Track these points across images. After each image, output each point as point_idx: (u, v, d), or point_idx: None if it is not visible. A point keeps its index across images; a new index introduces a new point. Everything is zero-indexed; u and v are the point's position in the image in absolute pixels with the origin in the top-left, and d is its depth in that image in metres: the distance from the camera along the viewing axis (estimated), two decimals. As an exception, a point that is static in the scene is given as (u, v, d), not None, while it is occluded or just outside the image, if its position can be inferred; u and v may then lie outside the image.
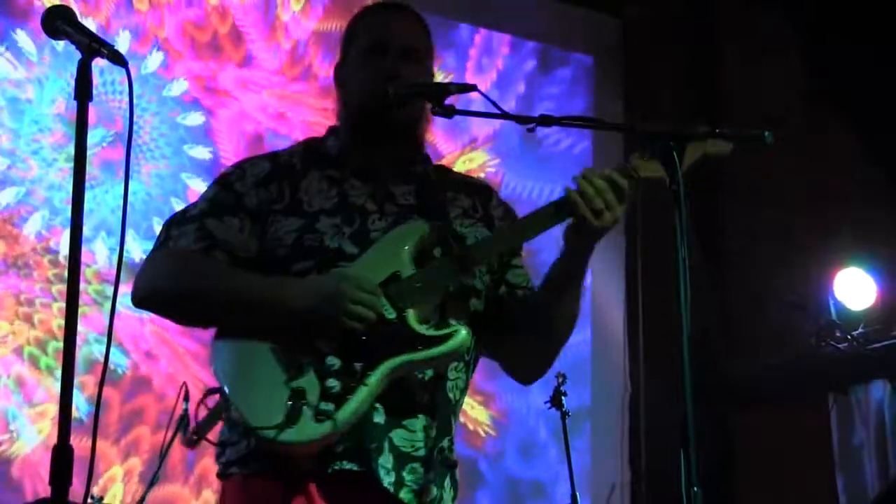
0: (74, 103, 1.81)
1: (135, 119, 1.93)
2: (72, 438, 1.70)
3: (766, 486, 5.32)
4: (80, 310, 1.76)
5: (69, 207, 1.77)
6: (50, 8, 1.90)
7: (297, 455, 2.06)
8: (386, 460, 2.09)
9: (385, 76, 2.25)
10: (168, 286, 2.21)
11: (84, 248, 1.84)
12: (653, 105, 5.78)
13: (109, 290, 4.24)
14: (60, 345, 4.02)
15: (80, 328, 1.75)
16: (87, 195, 1.80)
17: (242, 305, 2.14)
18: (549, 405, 4.20)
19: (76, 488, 1.71)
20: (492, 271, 2.32)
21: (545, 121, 2.19)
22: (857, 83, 6.02)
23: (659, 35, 5.98)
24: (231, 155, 4.65)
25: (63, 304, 1.70)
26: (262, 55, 4.93)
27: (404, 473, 2.10)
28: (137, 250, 4.31)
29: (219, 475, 2.22)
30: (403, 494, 2.09)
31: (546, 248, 2.29)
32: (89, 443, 1.79)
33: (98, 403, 1.85)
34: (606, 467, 5.35)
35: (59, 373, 3.96)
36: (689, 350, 1.95)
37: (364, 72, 2.30)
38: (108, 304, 4.18)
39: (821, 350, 5.08)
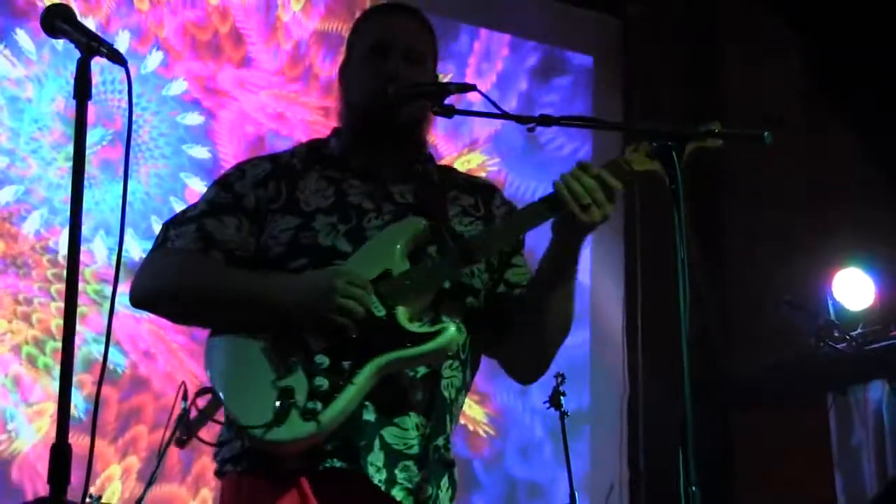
0: (74, 102, 1.81)
1: (134, 118, 1.92)
2: (70, 437, 1.70)
3: (764, 486, 5.32)
4: (78, 309, 1.76)
5: (68, 206, 1.77)
6: (49, 7, 1.89)
7: (284, 453, 2.06)
8: (376, 458, 2.09)
9: (386, 77, 2.25)
10: (164, 285, 2.23)
11: (83, 248, 1.84)
12: (653, 105, 5.78)
13: (108, 290, 4.24)
14: (58, 344, 4.03)
15: (78, 328, 1.75)
16: (87, 194, 1.80)
17: (235, 301, 2.15)
18: (547, 405, 4.20)
19: (74, 487, 1.71)
20: (491, 270, 2.32)
21: (545, 121, 2.19)
22: (857, 83, 6.02)
23: (659, 35, 5.98)
24: (230, 154, 4.66)
25: (62, 304, 1.70)
26: (263, 56, 4.93)
27: (396, 471, 2.10)
28: (136, 249, 4.31)
29: (216, 473, 2.23)
30: (396, 492, 2.09)
31: (543, 248, 2.28)
32: (86, 441, 1.78)
33: (97, 403, 1.85)
34: (605, 467, 5.35)
35: (56, 372, 3.98)
36: (688, 350, 1.95)
37: (365, 72, 2.31)
38: (107, 304, 4.20)
39: (820, 350, 5.08)
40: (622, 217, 5.57)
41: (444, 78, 2.56)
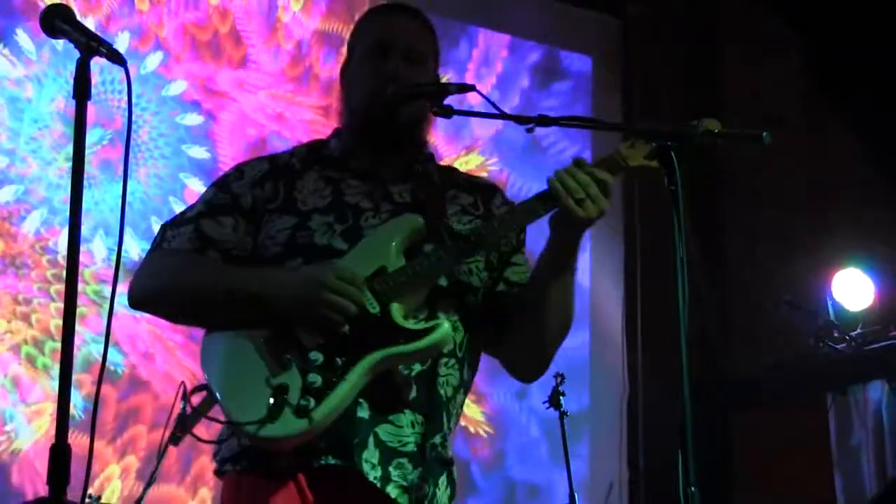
0: (74, 102, 1.81)
1: (134, 118, 1.92)
2: (68, 436, 1.70)
3: (764, 486, 5.32)
4: (77, 310, 1.76)
5: (68, 206, 1.77)
6: (48, 6, 1.89)
7: (278, 450, 2.07)
8: (371, 455, 2.09)
9: (386, 77, 2.26)
10: (161, 286, 2.24)
11: (82, 248, 1.84)
12: (653, 105, 5.78)
13: (107, 291, 4.24)
14: (57, 345, 4.03)
15: (77, 328, 1.75)
16: (86, 195, 1.80)
17: (231, 299, 2.15)
18: (547, 405, 4.20)
19: (72, 487, 1.71)
20: (491, 269, 2.32)
21: (543, 121, 2.19)
22: (857, 83, 6.02)
23: (659, 35, 5.98)
24: (230, 154, 4.65)
25: (61, 305, 1.70)
26: (263, 56, 4.92)
27: (391, 469, 2.10)
28: (136, 250, 4.31)
29: (216, 473, 2.24)
30: (391, 490, 2.09)
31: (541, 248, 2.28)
32: (84, 440, 1.79)
33: (96, 403, 1.85)
34: (605, 467, 5.35)
35: (55, 372, 3.98)
36: (687, 350, 1.96)
37: (365, 73, 2.31)
38: (106, 304, 4.20)
39: (819, 350, 5.08)
40: (622, 217, 5.58)
41: (443, 79, 2.56)
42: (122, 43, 4.53)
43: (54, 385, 4.02)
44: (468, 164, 5.31)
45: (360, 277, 2.11)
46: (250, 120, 4.82)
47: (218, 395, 2.08)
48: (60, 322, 1.74)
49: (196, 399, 2.11)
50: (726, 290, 5.68)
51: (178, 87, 4.66)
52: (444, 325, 2.11)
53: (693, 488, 1.89)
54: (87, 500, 2.10)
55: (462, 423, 4.95)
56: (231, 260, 2.23)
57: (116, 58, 1.83)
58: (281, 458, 2.08)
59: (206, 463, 4.27)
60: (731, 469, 5.45)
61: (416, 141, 2.36)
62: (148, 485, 3.12)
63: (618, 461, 5.39)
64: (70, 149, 1.81)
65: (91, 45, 1.82)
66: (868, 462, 5.09)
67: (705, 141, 2.14)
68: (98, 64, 1.83)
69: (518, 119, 2.21)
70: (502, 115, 2.23)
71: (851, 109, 6.15)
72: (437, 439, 2.19)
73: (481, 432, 5.08)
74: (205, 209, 2.28)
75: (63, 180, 4.27)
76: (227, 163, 4.48)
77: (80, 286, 2.31)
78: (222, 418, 2.10)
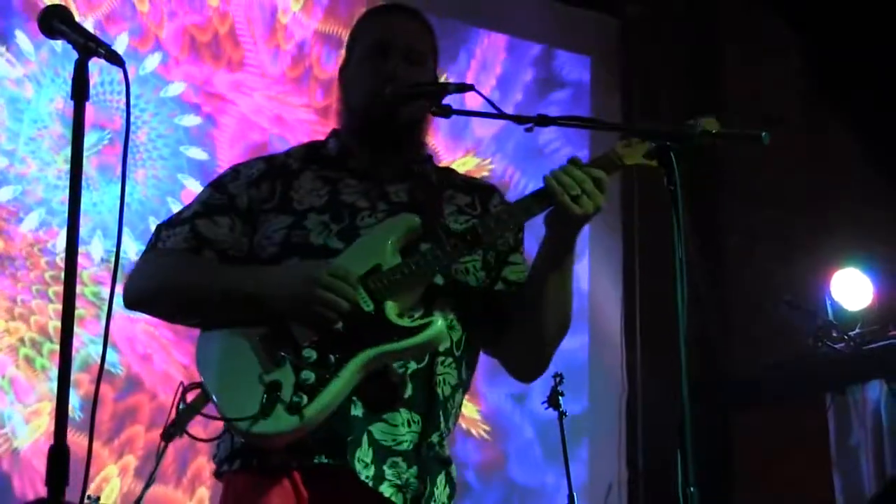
0: (72, 102, 1.81)
1: (132, 120, 1.93)
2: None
3: (763, 486, 5.32)
4: (76, 311, 1.76)
5: (66, 207, 1.77)
6: (46, 7, 1.89)
7: (269, 447, 2.07)
8: (364, 454, 2.09)
9: (385, 77, 2.26)
10: (156, 286, 2.24)
11: (80, 250, 1.84)
12: (653, 105, 5.78)
13: (105, 292, 4.24)
14: (55, 346, 4.03)
15: (75, 330, 1.75)
16: (84, 196, 1.80)
17: (226, 298, 2.15)
18: (546, 405, 4.19)
19: (70, 486, 1.71)
20: (488, 268, 2.32)
21: (542, 121, 2.19)
22: (857, 83, 6.02)
23: (659, 35, 5.98)
24: (228, 156, 4.65)
25: (59, 306, 1.70)
26: (262, 58, 4.92)
27: (385, 468, 2.10)
28: (134, 251, 4.30)
29: (215, 475, 2.24)
30: (384, 489, 2.09)
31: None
32: (81, 440, 1.79)
33: (94, 404, 1.85)
34: (604, 467, 5.35)
35: (53, 373, 3.98)
36: (686, 350, 1.96)
37: (365, 72, 2.31)
38: (104, 305, 4.20)
39: (818, 350, 5.08)
40: (620, 217, 5.58)
41: (441, 79, 2.57)
42: (120, 44, 4.53)
43: (52, 386, 4.02)
44: (465, 165, 5.31)
45: (354, 275, 2.11)
46: (250, 122, 4.81)
47: (212, 392, 2.09)
48: (59, 323, 1.74)
49: (190, 398, 2.11)
50: (725, 290, 5.68)
51: (176, 88, 4.66)
52: (438, 323, 2.11)
53: (692, 488, 1.89)
54: (86, 500, 2.11)
55: (464, 424, 4.97)
56: (227, 260, 2.23)
57: (114, 59, 1.83)
58: (273, 456, 2.08)
59: (203, 463, 4.27)
60: (730, 469, 5.46)
61: (415, 141, 2.37)
62: (147, 485, 3.12)
63: (617, 461, 5.39)
64: (69, 150, 1.80)
65: (89, 46, 1.82)
66: (867, 462, 5.09)
67: (703, 141, 2.15)
68: (97, 64, 1.83)
69: (517, 119, 2.21)
70: (501, 115, 2.23)
71: (851, 109, 6.15)
72: (435, 438, 2.19)
73: (479, 433, 5.08)
74: (201, 209, 2.27)
75: (61, 181, 4.27)
76: (225, 164, 4.47)
77: (79, 288, 2.30)
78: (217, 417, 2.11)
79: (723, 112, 5.85)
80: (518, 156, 5.46)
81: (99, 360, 2.62)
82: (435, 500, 2.16)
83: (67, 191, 1.78)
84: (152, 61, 4.62)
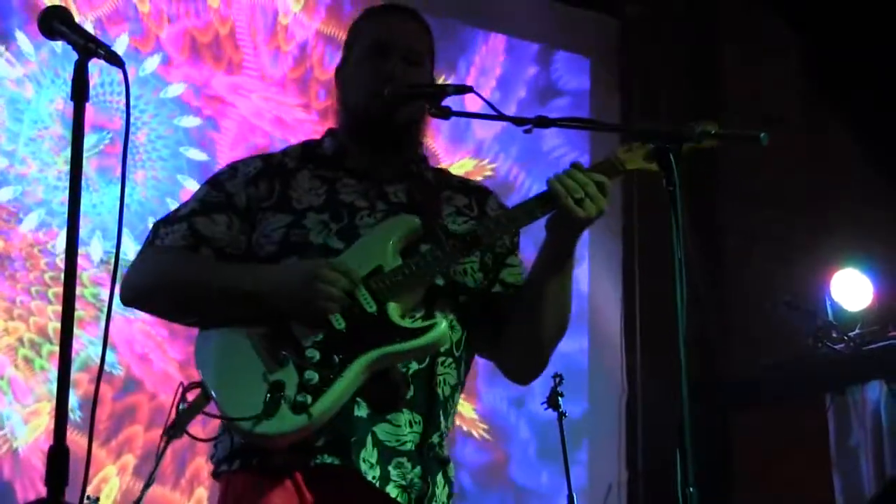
0: (72, 103, 1.81)
1: (132, 120, 1.93)
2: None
3: (763, 486, 5.32)
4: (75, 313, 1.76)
5: (66, 208, 1.77)
6: (46, 9, 1.90)
7: (273, 447, 2.06)
8: (369, 454, 2.09)
9: (384, 77, 2.27)
10: (153, 282, 2.24)
11: (80, 251, 1.84)
12: (652, 105, 5.78)
13: (104, 293, 4.24)
14: (54, 347, 4.02)
15: (74, 331, 1.75)
16: (84, 198, 1.81)
17: (224, 295, 2.16)
18: (546, 406, 4.19)
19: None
20: (486, 270, 2.33)
21: (542, 122, 2.20)
22: (856, 83, 6.03)
23: (659, 35, 5.98)
24: (228, 157, 4.65)
25: (58, 307, 1.71)
26: (263, 59, 4.91)
27: (390, 468, 2.11)
28: (133, 252, 4.29)
29: (213, 475, 2.23)
30: (390, 489, 2.10)
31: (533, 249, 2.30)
32: (79, 439, 1.79)
33: (94, 406, 1.85)
34: (603, 467, 5.35)
35: (52, 374, 3.98)
36: (685, 350, 1.96)
37: (363, 73, 2.32)
38: (103, 306, 4.20)
39: (818, 351, 5.08)
40: (620, 218, 5.58)
41: (439, 80, 2.57)
42: (120, 44, 4.53)
43: (51, 387, 4.02)
44: (464, 167, 5.31)
45: (356, 271, 2.12)
46: (250, 124, 4.81)
47: (213, 391, 2.08)
48: (58, 325, 1.74)
49: (190, 397, 2.11)
50: (725, 291, 5.68)
51: (176, 89, 4.66)
52: (442, 324, 2.12)
53: (692, 489, 1.89)
54: (85, 500, 2.11)
55: (463, 425, 4.97)
56: (224, 258, 2.23)
57: (114, 60, 1.84)
58: (275, 456, 2.08)
59: (201, 464, 4.27)
60: (730, 469, 5.46)
61: (413, 141, 2.37)
62: (147, 485, 3.11)
63: (617, 462, 5.39)
64: (69, 151, 1.81)
65: (89, 47, 1.82)
66: (866, 462, 5.09)
67: (703, 141, 2.15)
68: (97, 65, 1.83)
69: (516, 120, 2.22)
70: (500, 117, 2.24)
71: (851, 109, 6.15)
72: (436, 438, 2.20)
73: (479, 434, 5.08)
74: (198, 207, 2.28)
75: (61, 182, 4.27)
76: (224, 162, 4.47)
77: (78, 289, 2.30)
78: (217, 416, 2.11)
79: (722, 112, 5.86)
80: (521, 157, 5.46)
81: (98, 361, 2.62)
82: (436, 500, 2.17)
83: (67, 192, 1.78)
84: (152, 62, 4.62)
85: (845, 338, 5.02)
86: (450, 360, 2.24)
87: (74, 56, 1.82)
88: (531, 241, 2.33)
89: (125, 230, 4.25)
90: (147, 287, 2.24)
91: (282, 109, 4.90)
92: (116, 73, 1.85)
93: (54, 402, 1.71)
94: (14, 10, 4.37)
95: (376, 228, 2.23)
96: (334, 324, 2.10)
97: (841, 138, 6.20)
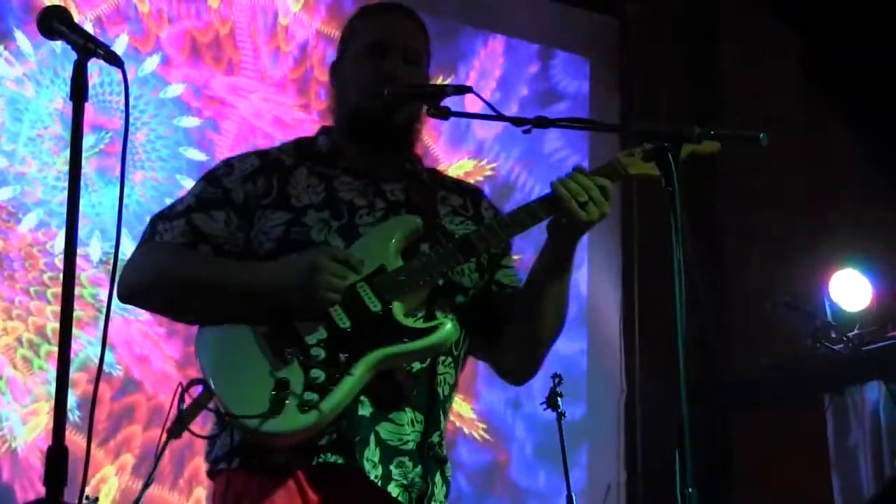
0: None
1: (131, 121, 1.93)
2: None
3: (762, 486, 5.32)
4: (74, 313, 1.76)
5: (65, 208, 1.77)
6: (45, 8, 1.90)
7: (279, 445, 2.06)
8: (372, 453, 2.10)
9: (384, 77, 2.27)
10: (149, 280, 2.23)
11: (79, 251, 1.84)
12: (652, 105, 5.78)
13: (103, 294, 4.24)
14: (53, 347, 4.01)
15: (74, 331, 1.75)
16: (83, 199, 1.81)
17: (223, 292, 2.15)
18: (545, 406, 4.18)
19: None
20: (481, 271, 2.33)
21: (541, 122, 2.20)
22: (856, 83, 6.03)
23: (659, 35, 5.97)
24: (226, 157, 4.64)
25: (57, 307, 1.71)
26: (262, 60, 4.91)
27: (392, 467, 2.11)
28: (131, 252, 4.29)
29: (208, 474, 2.22)
30: (392, 489, 2.10)
31: (532, 249, 2.31)
32: (77, 439, 1.79)
33: (93, 407, 1.85)
34: (603, 468, 5.35)
35: (50, 375, 3.97)
36: (684, 351, 1.96)
37: (363, 71, 2.32)
38: (102, 307, 4.19)
39: (817, 351, 5.08)
40: (619, 218, 5.57)
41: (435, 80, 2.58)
42: (120, 44, 4.52)
43: (50, 388, 4.02)
44: (463, 167, 5.31)
45: (356, 256, 2.13)
46: (250, 124, 4.80)
47: (217, 389, 2.07)
48: (56, 325, 1.74)
49: (189, 397, 2.10)
50: (724, 291, 5.68)
51: (176, 89, 4.65)
52: (448, 325, 2.13)
53: (691, 489, 1.89)
54: (84, 501, 2.11)
55: (462, 426, 4.97)
56: (222, 255, 2.23)
57: (113, 60, 1.84)
58: (276, 455, 2.08)
59: (200, 463, 4.26)
60: (729, 469, 5.45)
61: (411, 141, 2.38)
62: (146, 485, 3.11)
63: (616, 463, 5.38)
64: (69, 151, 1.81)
65: (88, 47, 1.82)
66: (865, 463, 5.09)
67: (703, 141, 2.15)
68: (97, 64, 1.83)
69: (515, 121, 2.22)
70: (500, 117, 2.24)
71: (851, 109, 6.15)
72: (436, 438, 2.21)
73: (478, 435, 5.07)
74: (196, 203, 2.27)
75: (60, 182, 4.26)
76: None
77: (77, 290, 2.29)
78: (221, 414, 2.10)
79: (722, 112, 5.86)
80: (522, 157, 5.46)
81: (97, 361, 2.62)
82: (435, 500, 2.18)
83: (66, 192, 1.78)
84: (152, 62, 4.61)
85: (844, 338, 5.02)
86: (450, 359, 2.25)
87: (74, 56, 1.82)
88: (532, 243, 2.34)
89: (124, 230, 4.20)
90: (145, 284, 2.23)
91: (282, 110, 4.89)
92: (116, 73, 1.85)
93: (53, 402, 1.71)
94: (13, 9, 4.36)
95: (377, 228, 2.23)
96: (338, 322, 2.10)
97: (841, 138, 6.20)
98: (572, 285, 2.33)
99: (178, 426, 2.11)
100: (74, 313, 1.75)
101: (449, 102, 2.22)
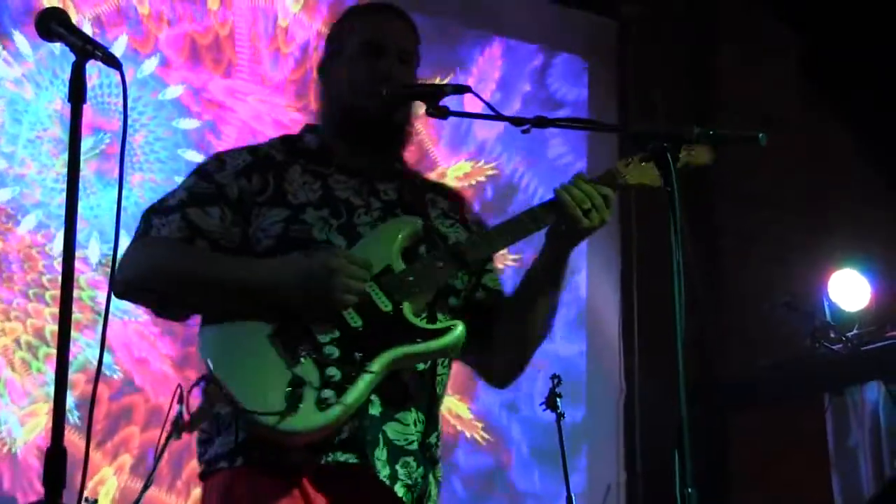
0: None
1: (130, 122, 1.93)
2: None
3: (761, 487, 5.32)
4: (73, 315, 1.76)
5: (63, 210, 1.77)
6: (44, 10, 1.90)
7: (296, 444, 2.04)
8: (381, 453, 2.10)
9: (381, 77, 2.28)
10: (146, 275, 2.19)
11: (77, 254, 1.83)
12: (651, 105, 5.78)
13: (101, 295, 4.23)
14: (51, 350, 3.99)
15: (72, 334, 1.75)
16: (81, 201, 1.81)
17: (220, 288, 2.14)
18: (544, 407, 4.18)
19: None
20: (469, 273, 2.35)
21: (540, 122, 2.21)
22: (856, 83, 6.03)
23: (658, 35, 5.97)
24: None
25: (56, 310, 1.71)
26: (264, 62, 4.90)
27: (398, 467, 2.12)
28: (126, 246, 4.27)
29: (203, 474, 2.20)
30: (398, 488, 2.11)
31: (531, 250, 2.33)
32: (78, 440, 1.79)
33: (92, 406, 1.85)
34: (602, 469, 5.34)
35: (49, 377, 3.96)
36: (683, 351, 1.96)
37: (359, 71, 2.32)
38: (100, 308, 4.19)
39: (816, 351, 5.08)
40: (618, 219, 5.57)
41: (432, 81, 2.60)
42: (119, 46, 4.52)
43: (48, 390, 4.01)
44: (462, 168, 5.31)
45: (369, 261, 2.13)
46: (249, 126, 4.80)
47: (230, 387, 2.04)
48: (55, 327, 1.74)
49: (191, 397, 2.09)
50: (723, 292, 5.68)
51: (175, 91, 4.65)
52: (459, 328, 2.14)
53: (690, 489, 1.90)
54: (83, 502, 2.10)
55: (460, 428, 4.97)
56: (219, 251, 2.21)
57: (112, 61, 1.84)
58: (291, 454, 2.06)
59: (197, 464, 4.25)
60: (728, 470, 5.45)
61: (406, 142, 2.39)
62: (145, 486, 3.11)
63: (615, 463, 5.38)
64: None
65: (86, 49, 1.82)
66: (865, 463, 5.10)
67: (702, 142, 2.16)
68: (97, 66, 1.83)
69: (514, 120, 2.22)
70: (498, 117, 2.25)
71: (851, 109, 6.15)
72: (433, 438, 2.22)
73: (477, 437, 5.07)
74: (189, 198, 2.24)
75: (59, 184, 4.26)
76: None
77: (75, 292, 2.29)
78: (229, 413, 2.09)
79: (722, 112, 5.86)
80: (522, 158, 5.46)
81: (95, 363, 2.62)
82: (431, 500, 2.20)
83: (64, 193, 1.78)
84: (150, 64, 4.61)
85: (843, 338, 5.02)
86: (446, 360, 2.27)
87: (73, 57, 1.82)
88: (531, 244, 2.36)
89: (123, 233, 4.22)
90: (141, 279, 2.19)
91: (281, 112, 4.89)
92: (115, 75, 1.85)
93: (51, 402, 1.71)
94: (11, 10, 4.36)
95: (379, 228, 2.24)
96: (350, 321, 2.10)
97: (840, 138, 6.20)
98: (572, 289, 2.35)
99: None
100: (73, 316, 1.75)
101: (449, 103, 2.23)
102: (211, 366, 2.08)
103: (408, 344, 2.10)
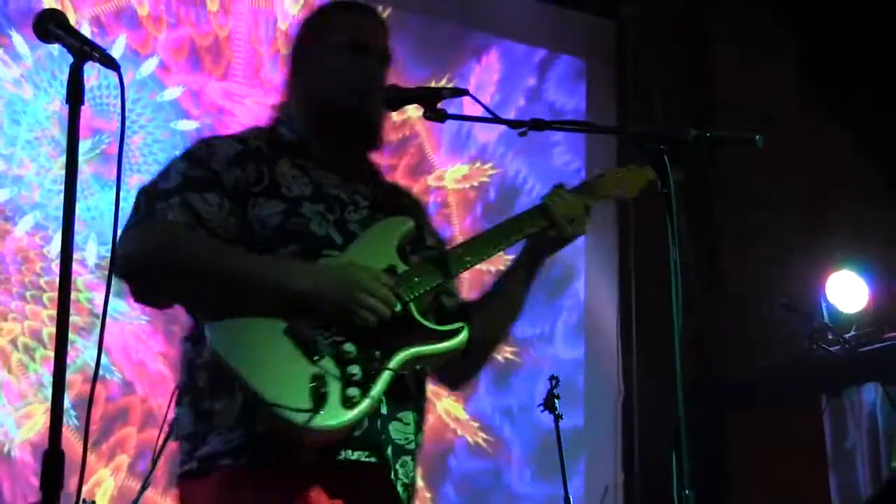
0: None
1: (128, 124, 1.93)
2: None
3: (760, 488, 5.32)
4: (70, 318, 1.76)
5: (61, 212, 1.77)
6: (41, 11, 1.90)
7: (315, 441, 2.01)
8: (388, 452, 2.11)
9: (369, 77, 2.28)
10: (158, 260, 2.11)
11: (75, 256, 1.83)
12: (650, 106, 5.77)
13: (98, 297, 4.23)
14: (48, 352, 3.99)
15: (70, 335, 1.75)
16: (79, 204, 1.80)
17: (247, 284, 2.08)
18: (542, 408, 4.18)
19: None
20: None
21: (537, 125, 2.21)
22: (856, 83, 6.03)
23: (658, 35, 5.97)
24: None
25: (53, 312, 1.71)
26: (263, 64, 4.90)
27: (398, 466, 2.13)
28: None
29: (198, 472, 2.11)
30: (398, 487, 2.12)
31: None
32: (75, 441, 1.79)
33: (89, 408, 1.85)
34: (600, 470, 5.34)
35: (45, 377, 3.96)
36: (681, 352, 1.97)
37: (345, 69, 2.31)
38: (97, 310, 4.19)
39: (814, 353, 5.08)
40: (616, 220, 5.57)
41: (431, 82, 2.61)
42: (118, 47, 4.52)
43: (45, 392, 4.01)
44: (460, 170, 5.31)
45: (391, 279, 2.13)
46: (246, 126, 4.79)
47: (251, 383, 1.99)
48: (52, 329, 1.74)
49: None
50: (721, 293, 5.68)
51: (173, 92, 4.64)
52: (465, 329, 2.17)
53: (688, 490, 1.90)
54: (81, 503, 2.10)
55: (462, 432, 4.98)
56: (216, 239, 2.16)
57: (110, 63, 1.84)
58: (303, 452, 2.03)
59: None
60: (726, 471, 5.45)
61: (378, 143, 2.37)
62: (143, 487, 3.11)
63: (613, 464, 5.38)
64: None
65: (84, 50, 1.82)
66: (863, 464, 5.10)
67: (700, 143, 2.16)
68: (95, 67, 1.83)
69: (511, 123, 2.23)
70: (496, 119, 2.25)
71: (850, 109, 6.15)
72: (420, 438, 2.22)
73: (476, 440, 5.07)
74: (186, 183, 2.17)
75: (57, 185, 4.26)
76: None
77: (73, 294, 2.27)
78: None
79: (721, 113, 5.86)
80: (523, 158, 5.46)
81: (93, 364, 2.62)
82: (415, 500, 2.22)
83: (63, 194, 1.78)
84: (149, 65, 4.61)
85: (841, 340, 5.02)
86: None
87: (71, 58, 1.82)
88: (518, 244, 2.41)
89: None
90: (151, 262, 2.10)
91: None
92: (113, 76, 1.85)
93: (48, 403, 1.71)
94: (10, 10, 4.36)
95: (375, 228, 2.24)
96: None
97: (840, 138, 6.21)
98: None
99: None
100: (70, 318, 1.75)
101: (448, 105, 2.24)
102: (229, 363, 2.02)
103: (420, 344, 2.11)
